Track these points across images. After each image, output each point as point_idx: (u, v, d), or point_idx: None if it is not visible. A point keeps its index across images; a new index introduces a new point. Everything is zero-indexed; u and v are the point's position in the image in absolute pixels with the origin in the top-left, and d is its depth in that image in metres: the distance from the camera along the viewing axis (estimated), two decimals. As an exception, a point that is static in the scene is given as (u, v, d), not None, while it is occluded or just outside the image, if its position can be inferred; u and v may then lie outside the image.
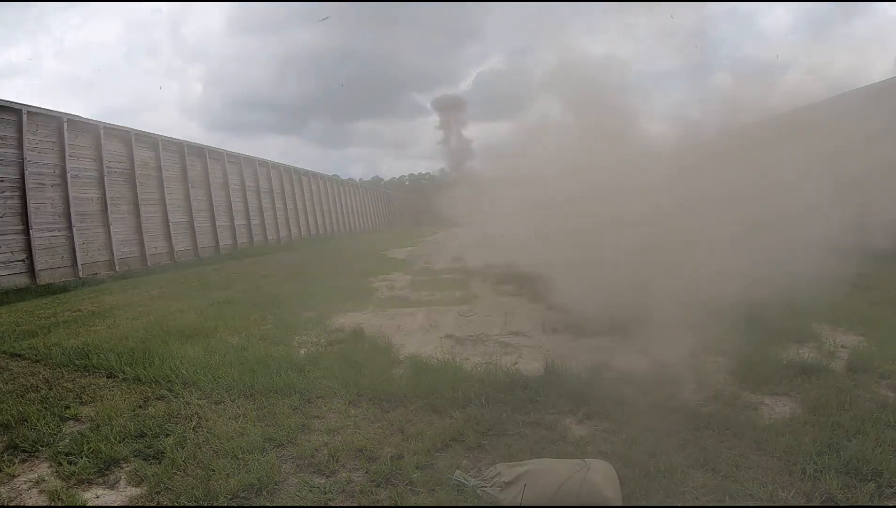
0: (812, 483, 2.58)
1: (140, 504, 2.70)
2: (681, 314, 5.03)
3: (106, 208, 14.36)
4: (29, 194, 11.91)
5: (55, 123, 13.01)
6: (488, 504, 2.53)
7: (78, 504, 2.70)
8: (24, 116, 11.98)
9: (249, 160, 24.35)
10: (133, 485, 2.86)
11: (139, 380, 4.42)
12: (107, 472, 2.99)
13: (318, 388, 4.08)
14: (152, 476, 2.88)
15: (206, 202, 19.94)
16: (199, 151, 20.00)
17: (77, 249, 13.06)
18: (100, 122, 14.71)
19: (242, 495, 2.70)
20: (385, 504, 2.61)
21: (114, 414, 3.68)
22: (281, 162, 27.76)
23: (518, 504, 2.45)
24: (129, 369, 4.62)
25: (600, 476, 2.50)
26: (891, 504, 2.46)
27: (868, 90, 8.58)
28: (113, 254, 14.38)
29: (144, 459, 3.09)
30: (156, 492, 2.76)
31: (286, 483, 2.82)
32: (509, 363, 4.50)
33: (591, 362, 4.33)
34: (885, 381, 3.92)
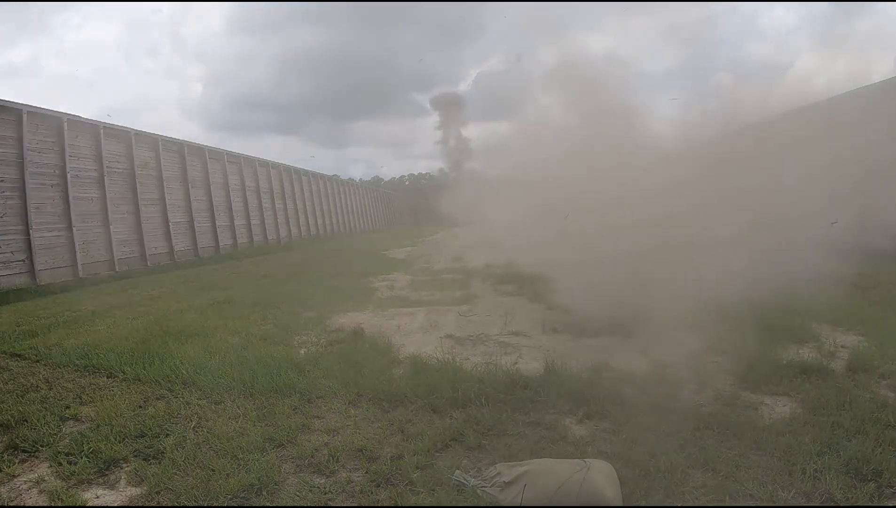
0: (812, 483, 2.57)
1: (140, 504, 2.70)
2: (681, 314, 5.03)
3: (106, 208, 14.36)
4: (29, 194, 11.91)
5: (55, 123, 13.02)
6: (488, 504, 2.53)
7: (78, 504, 2.70)
8: (24, 116, 11.99)
9: (249, 160, 24.35)
10: (133, 485, 2.86)
11: (139, 380, 4.42)
12: (107, 472, 2.99)
13: (318, 388, 4.08)
14: (152, 476, 2.88)
15: (206, 202, 19.94)
16: (199, 151, 20.00)
17: (77, 249, 13.06)
18: (100, 122, 14.72)
19: (242, 495, 2.70)
20: (385, 504, 2.61)
21: (114, 414, 3.68)
22: (281, 162, 27.79)
23: (518, 504, 2.45)
24: (129, 369, 4.62)
25: (600, 476, 2.50)
26: (891, 504, 2.46)
27: (868, 90, 8.58)
28: (113, 254, 14.38)
29: (144, 459, 3.09)
30: (156, 492, 2.76)
31: (286, 483, 2.82)
32: (509, 363, 4.50)
33: (592, 362, 4.33)
34: (885, 381, 3.92)
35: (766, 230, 4.95)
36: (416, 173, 64.20)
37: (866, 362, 4.18)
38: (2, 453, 3.21)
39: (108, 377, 4.57)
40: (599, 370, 4.22)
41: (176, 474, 2.89)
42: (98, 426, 3.49)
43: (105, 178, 14.48)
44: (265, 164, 25.83)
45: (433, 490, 2.67)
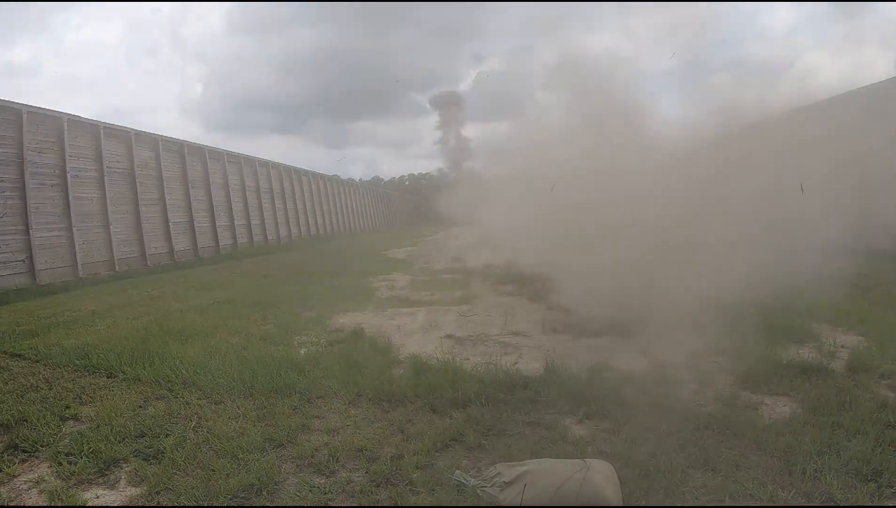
0: (812, 483, 2.57)
1: (140, 504, 2.70)
2: (681, 315, 5.03)
3: (106, 208, 14.36)
4: (29, 194, 11.91)
5: (55, 123, 13.02)
6: (488, 504, 2.53)
7: (78, 504, 2.70)
8: (24, 116, 11.99)
9: (249, 160, 24.36)
10: (133, 485, 2.86)
11: (139, 380, 4.42)
12: (107, 472, 2.99)
13: (318, 388, 4.08)
14: (152, 476, 2.88)
15: (206, 202, 19.95)
16: (199, 152, 20.00)
17: (77, 249, 13.06)
18: (100, 122, 14.72)
19: (242, 495, 2.70)
20: (385, 504, 2.61)
21: (114, 414, 3.68)
22: (281, 162, 27.79)
23: (518, 504, 2.45)
24: (129, 369, 4.62)
25: (600, 476, 2.50)
26: (891, 504, 2.45)
27: (869, 90, 8.57)
28: (113, 254, 14.38)
29: (144, 459, 3.09)
30: (156, 492, 2.76)
31: (286, 483, 2.82)
32: (509, 363, 4.50)
33: (592, 362, 4.34)
34: (885, 381, 3.92)
35: (766, 231, 4.95)
36: (416, 173, 64.21)
37: (866, 362, 4.19)
38: (2, 453, 3.21)
39: (108, 377, 4.57)
40: (599, 370, 4.22)
41: (176, 474, 2.89)
42: (98, 426, 3.49)
43: (105, 178, 14.48)
44: (265, 164, 25.84)
45: (433, 490, 2.67)
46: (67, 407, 3.90)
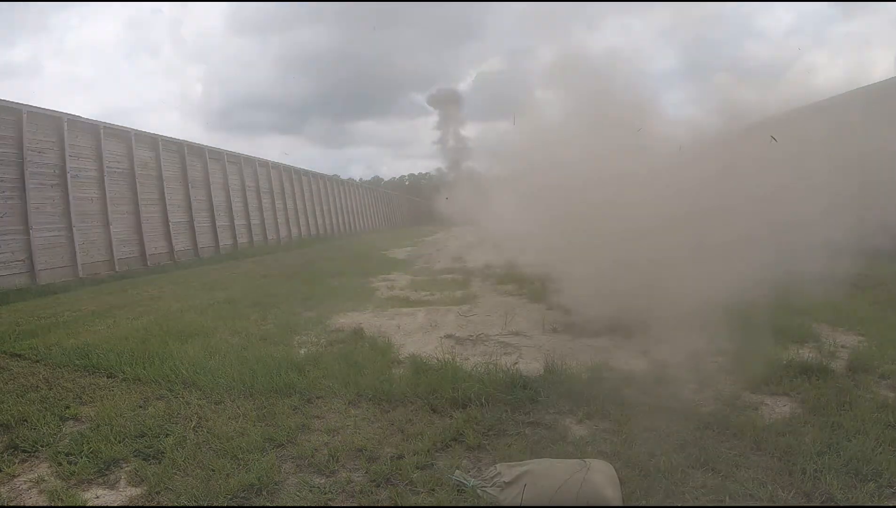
0: (812, 483, 2.57)
1: (140, 504, 2.70)
2: (681, 315, 5.02)
3: (106, 208, 14.36)
4: (29, 194, 11.92)
5: (55, 123, 13.02)
6: (488, 504, 2.53)
7: (78, 504, 2.70)
8: (24, 116, 11.99)
9: (249, 160, 24.36)
10: (133, 485, 2.86)
11: (139, 380, 4.42)
12: (107, 472, 2.99)
13: (318, 388, 4.08)
14: (152, 476, 2.88)
15: (206, 202, 19.95)
16: (199, 152, 20.01)
17: (77, 249, 13.06)
18: (100, 122, 14.72)
19: (242, 495, 2.70)
20: (385, 504, 2.61)
21: (114, 414, 3.67)
22: (281, 162, 27.80)
23: (518, 504, 2.45)
24: (129, 369, 4.62)
25: (600, 476, 2.50)
26: (891, 504, 2.45)
27: (869, 90, 8.57)
28: (113, 254, 14.39)
29: (144, 459, 3.09)
30: (156, 492, 2.76)
31: (286, 483, 2.82)
32: (509, 363, 4.50)
33: (592, 362, 4.33)
34: (885, 381, 3.92)
35: (766, 231, 4.95)
36: (416, 173, 64.23)
37: (866, 362, 4.19)
38: (2, 453, 3.21)
39: (108, 377, 4.57)
40: (599, 370, 4.22)
41: (176, 474, 2.89)
42: (98, 426, 3.49)
43: (105, 178, 14.48)
44: (265, 164, 25.84)
45: (433, 490, 2.67)
46: (67, 407, 3.89)
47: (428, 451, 3.07)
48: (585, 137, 5.94)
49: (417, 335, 5.95)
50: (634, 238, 5.26)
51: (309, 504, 2.63)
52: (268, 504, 2.65)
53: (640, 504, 2.50)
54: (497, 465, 2.74)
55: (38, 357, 5.23)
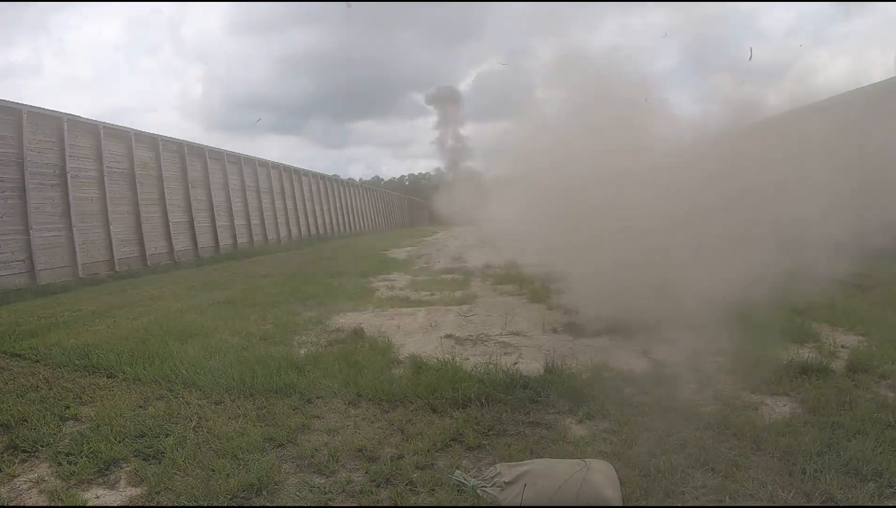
0: (812, 483, 2.57)
1: (140, 504, 2.70)
2: (681, 315, 5.03)
3: (106, 208, 14.37)
4: (29, 194, 11.92)
5: (55, 123, 13.02)
6: (488, 504, 2.53)
7: (78, 504, 2.70)
8: (24, 116, 11.99)
9: (249, 160, 24.36)
10: (133, 485, 2.86)
11: (139, 380, 4.42)
12: (107, 472, 2.99)
13: (318, 388, 4.08)
14: (152, 476, 2.88)
15: (206, 202, 19.95)
16: (199, 151, 20.01)
17: (77, 249, 13.06)
18: (100, 122, 14.72)
19: (242, 495, 2.70)
20: (385, 504, 2.61)
21: (114, 414, 3.67)
22: (281, 162, 27.81)
23: (518, 504, 2.45)
24: (129, 369, 4.62)
25: (600, 476, 2.50)
26: (891, 504, 2.45)
27: (868, 90, 8.57)
28: (113, 254, 14.39)
29: (144, 459, 3.09)
30: (156, 492, 2.76)
31: (286, 483, 2.82)
32: (509, 363, 4.50)
33: (592, 362, 4.33)
34: (885, 381, 3.92)
35: (765, 231, 4.95)
36: (416, 173, 64.22)
37: (866, 362, 4.19)
38: (2, 453, 3.21)
39: (108, 377, 4.57)
40: (599, 370, 4.22)
41: (176, 474, 2.89)
42: (98, 426, 3.49)
43: (105, 178, 14.48)
44: (265, 164, 25.84)
45: (433, 490, 2.67)
46: (67, 407, 3.89)
47: (428, 451, 3.07)
48: (585, 137, 5.93)
49: (417, 335, 5.95)
50: (634, 238, 5.26)
51: (309, 504, 2.63)
52: (268, 504, 2.65)
53: (640, 504, 2.50)
54: (497, 465, 2.74)
55: (38, 357, 5.22)
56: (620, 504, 2.44)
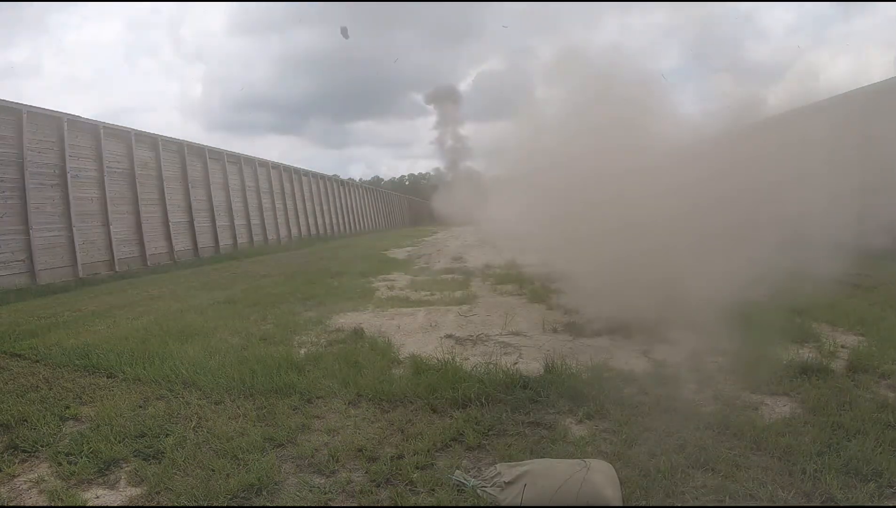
0: (812, 483, 2.57)
1: (140, 504, 2.70)
2: (681, 315, 5.03)
3: (106, 208, 14.37)
4: (29, 194, 11.92)
5: (55, 123, 13.02)
6: (488, 504, 2.53)
7: (78, 504, 2.69)
8: (24, 116, 11.99)
9: (249, 160, 24.36)
10: (133, 485, 2.86)
11: (139, 380, 4.42)
12: (107, 472, 2.99)
13: (318, 388, 4.08)
14: (152, 476, 2.88)
15: (206, 202, 19.95)
16: (199, 151, 20.01)
17: (77, 249, 13.06)
18: (100, 122, 14.72)
19: (242, 495, 2.70)
20: (385, 504, 2.61)
21: (114, 414, 3.67)
22: (281, 162, 27.81)
23: (518, 504, 2.45)
24: (129, 369, 4.62)
25: (600, 476, 2.50)
26: (891, 504, 2.45)
27: (868, 90, 8.57)
28: (113, 254, 14.39)
29: (144, 459, 3.09)
30: (156, 492, 2.76)
31: (286, 483, 2.82)
32: (509, 363, 4.50)
33: (591, 362, 4.33)
34: (885, 381, 3.92)
35: (765, 231, 4.95)
36: (416, 173, 64.24)
37: (866, 362, 4.19)
38: (2, 453, 3.21)
39: (108, 377, 4.57)
40: (599, 370, 4.22)
41: (176, 474, 2.89)
42: (98, 426, 3.49)
43: (105, 178, 14.48)
44: (265, 164, 25.84)
45: (433, 490, 2.67)
46: (67, 407, 3.89)
47: (428, 451, 3.07)
48: (586, 136, 5.93)
49: (417, 335, 5.95)
50: (635, 238, 5.26)
51: (309, 504, 2.63)
52: (268, 504, 2.65)
53: (640, 504, 2.50)
54: (497, 465, 2.74)
55: (38, 357, 5.22)
56: (620, 504, 2.44)
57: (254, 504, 2.65)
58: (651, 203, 5.24)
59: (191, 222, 18.58)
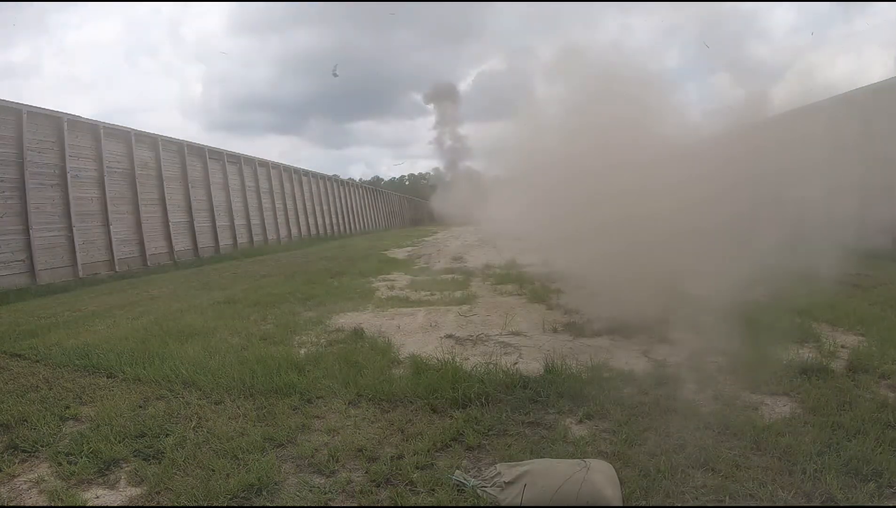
0: (812, 483, 2.57)
1: (140, 504, 2.70)
2: (681, 315, 5.03)
3: (106, 208, 14.36)
4: (29, 194, 11.91)
5: (55, 123, 13.02)
6: (488, 504, 2.53)
7: (78, 504, 2.69)
8: (24, 116, 11.99)
9: (249, 160, 24.35)
10: (133, 485, 2.86)
11: (139, 380, 4.42)
12: (107, 472, 2.98)
13: (318, 388, 4.08)
14: (152, 476, 2.88)
15: (206, 202, 19.94)
16: (199, 151, 20.00)
17: (77, 249, 13.06)
18: (100, 122, 14.72)
19: (242, 495, 2.70)
20: (385, 504, 2.61)
21: (114, 414, 3.67)
22: (281, 162, 27.80)
23: (518, 504, 2.45)
24: (129, 369, 4.62)
25: (600, 476, 2.50)
26: (891, 504, 2.45)
27: (868, 90, 8.58)
28: (113, 254, 14.38)
29: (144, 459, 3.09)
30: (156, 492, 2.76)
31: (286, 483, 2.82)
32: (509, 363, 4.50)
33: (591, 362, 4.33)
34: (885, 381, 3.92)
35: (765, 231, 4.95)
36: (416, 173, 64.29)
37: (866, 362, 4.19)
38: (2, 453, 3.21)
39: (108, 377, 4.57)
40: (599, 370, 4.22)
41: (176, 474, 2.89)
42: (98, 426, 3.49)
43: (105, 178, 14.47)
44: (265, 164, 25.83)
45: (433, 490, 2.67)
46: (67, 407, 3.89)
47: (428, 451, 3.07)
48: (586, 135, 5.93)
49: (417, 335, 5.95)
50: (634, 238, 5.26)
51: (309, 504, 2.63)
52: (268, 504, 2.65)
53: (640, 504, 2.50)
54: (497, 465, 2.74)
55: (38, 357, 5.22)
56: (620, 504, 2.44)
57: (254, 504, 2.65)
58: (650, 202, 5.24)
59: (191, 222, 18.57)
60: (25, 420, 3.62)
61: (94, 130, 14.39)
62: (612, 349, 4.98)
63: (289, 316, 7.02)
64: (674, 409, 3.46)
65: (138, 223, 15.73)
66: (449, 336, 5.75)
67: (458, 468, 2.85)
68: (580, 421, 3.43)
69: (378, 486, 2.75)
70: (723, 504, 2.48)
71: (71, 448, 3.23)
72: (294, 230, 28.00)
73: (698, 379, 4.00)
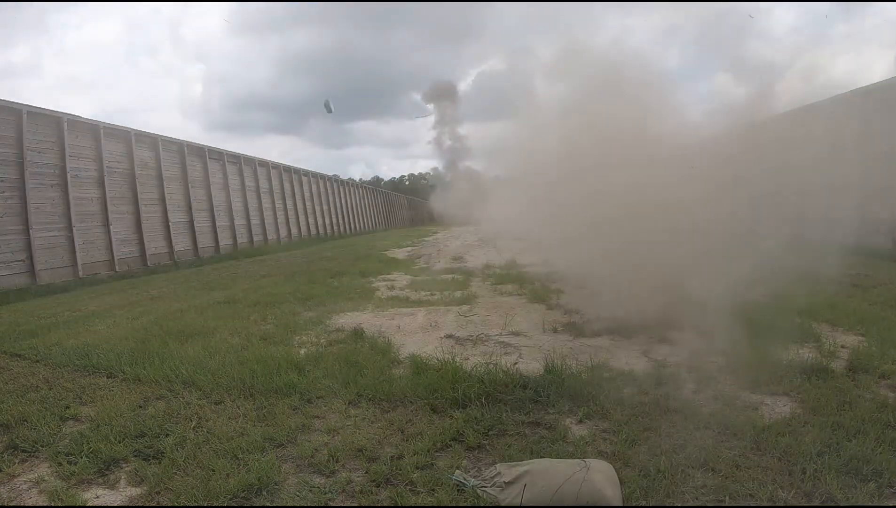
0: (812, 483, 2.57)
1: (140, 504, 2.70)
2: (682, 314, 5.03)
3: (106, 208, 14.36)
4: (29, 194, 11.92)
5: (55, 123, 13.02)
6: (488, 504, 2.53)
7: (78, 504, 2.70)
8: (24, 116, 11.99)
9: (249, 160, 24.35)
10: (133, 485, 2.86)
11: (139, 380, 4.42)
12: (107, 472, 2.98)
13: (318, 388, 4.08)
14: (152, 476, 2.88)
15: (206, 202, 19.94)
16: (199, 151, 20.00)
17: (77, 249, 13.06)
18: (100, 122, 14.72)
19: (242, 495, 2.70)
20: (385, 504, 2.61)
21: (114, 414, 3.67)
22: (281, 162, 27.80)
23: (518, 504, 2.45)
24: (129, 369, 4.62)
25: (600, 476, 2.50)
26: (891, 504, 2.45)
27: (867, 90, 8.57)
28: (113, 254, 14.39)
29: (144, 459, 3.09)
30: (156, 492, 2.76)
31: (286, 483, 2.81)
32: (509, 363, 4.50)
33: (591, 362, 4.33)
34: (885, 381, 3.92)
35: (766, 232, 4.95)
36: (416, 173, 64.28)
37: (866, 362, 4.18)
38: (2, 453, 3.21)
39: (108, 377, 4.57)
40: (599, 370, 4.22)
41: (176, 474, 2.89)
42: (98, 426, 3.49)
43: (105, 178, 14.48)
44: (265, 164, 25.83)
45: (433, 490, 2.67)
46: (67, 407, 3.89)
47: (428, 451, 3.07)
48: (586, 134, 5.92)
49: (417, 334, 5.95)
50: (635, 239, 5.26)
51: (309, 504, 2.63)
52: (268, 504, 2.65)
53: (640, 504, 2.50)
54: (497, 465, 2.74)
55: (38, 357, 5.22)
56: (620, 504, 2.44)
57: (254, 504, 2.65)
58: (650, 201, 5.24)
59: (191, 222, 18.57)
60: (25, 420, 3.62)
61: (94, 130, 14.39)
62: (612, 348, 4.98)
63: (289, 316, 7.02)
64: (674, 409, 3.46)
65: (138, 223, 15.73)
66: (449, 336, 5.75)
67: (458, 468, 2.85)
68: (580, 421, 3.43)
69: (378, 486, 2.75)
70: (723, 504, 2.48)
71: (71, 448, 3.22)
72: (294, 230, 28.00)
73: (698, 379, 4.00)
